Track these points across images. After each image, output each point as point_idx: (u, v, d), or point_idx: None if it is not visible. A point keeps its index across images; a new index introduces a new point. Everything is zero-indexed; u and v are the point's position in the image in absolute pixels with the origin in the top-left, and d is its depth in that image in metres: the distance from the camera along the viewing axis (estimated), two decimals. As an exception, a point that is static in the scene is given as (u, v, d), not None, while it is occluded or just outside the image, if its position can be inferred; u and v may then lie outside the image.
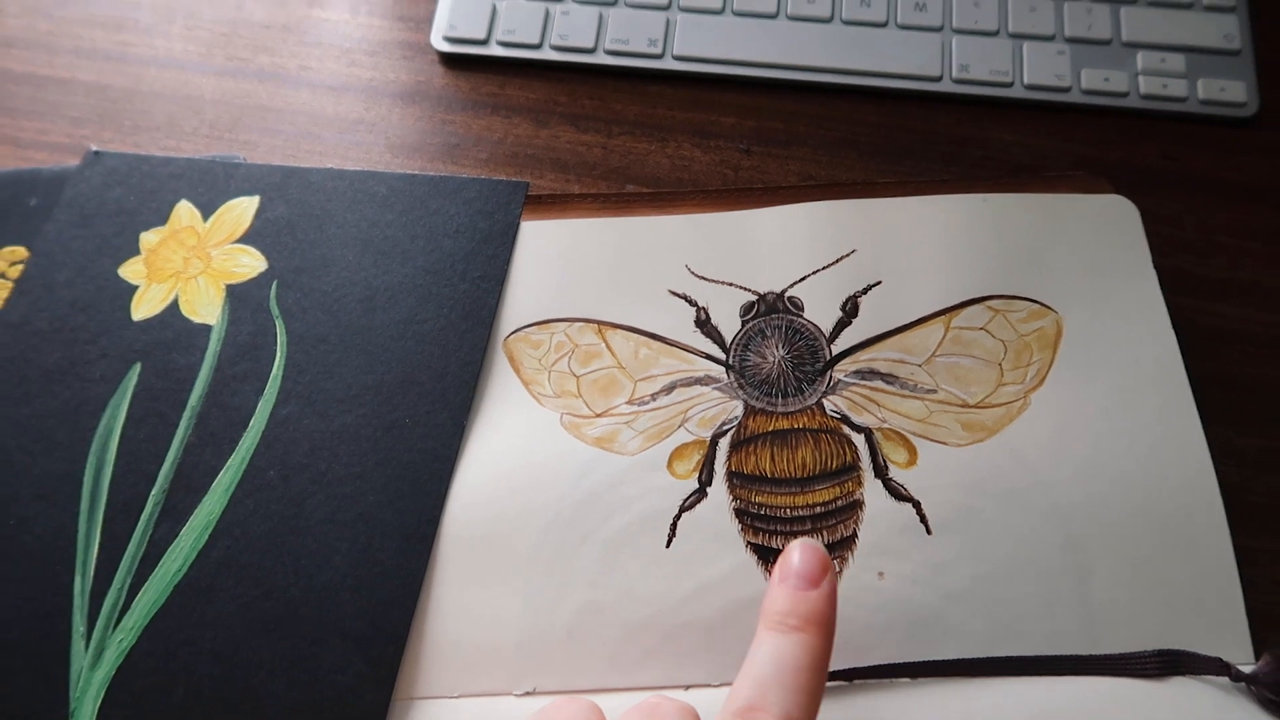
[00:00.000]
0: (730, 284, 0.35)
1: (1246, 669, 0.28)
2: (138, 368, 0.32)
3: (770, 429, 0.32)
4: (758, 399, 0.33)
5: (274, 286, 0.34)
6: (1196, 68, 0.40)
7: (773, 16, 0.41)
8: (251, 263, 0.35)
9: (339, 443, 0.31)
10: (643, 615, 0.30)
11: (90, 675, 0.28)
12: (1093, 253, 0.35)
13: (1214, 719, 0.28)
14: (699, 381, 0.33)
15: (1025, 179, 0.37)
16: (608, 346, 0.34)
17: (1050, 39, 0.41)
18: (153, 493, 0.31)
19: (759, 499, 0.31)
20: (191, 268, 0.34)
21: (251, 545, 0.30)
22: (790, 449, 0.32)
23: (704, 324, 0.34)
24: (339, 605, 0.29)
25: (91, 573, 0.30)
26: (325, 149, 0.40)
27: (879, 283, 0.35)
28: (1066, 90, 0.40)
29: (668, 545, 0.31)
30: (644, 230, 0.36)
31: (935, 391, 0.33)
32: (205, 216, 0.36)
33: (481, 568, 0.30)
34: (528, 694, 0.29)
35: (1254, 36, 0.41)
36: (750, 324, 0.34)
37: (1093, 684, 0.29)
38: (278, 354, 0.33)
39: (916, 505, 0.31)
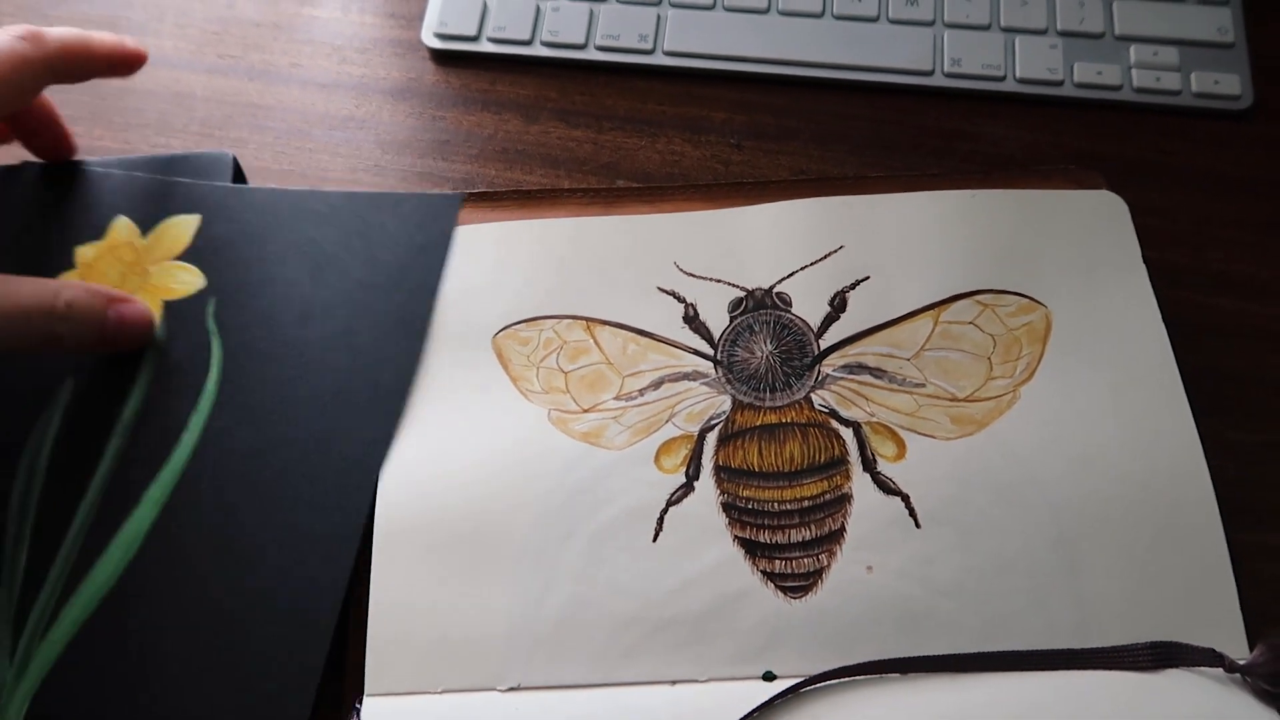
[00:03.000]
0: (718, 280, 0.35)
1: (1240, 660, 0.28)
2: (69, 383, 0.33)
3: (758, 423, 0.32)
4: (746, 394, 0.33)
5: (211, 304, 0.34)
6: (1190, 61, 0.40)
7: (764, 11, 0.41)
8: (190, 279, 0.35)
9: (271, 454, 0.32)
10: (629, 610, 0.30)
11: (15, 686, 0.29)
12: (1082, 248, 0.35)
13: (1208, 710, 0.28)
14: (687, 377, 0.33)
15: (1017, 173, 0.37)
16: (596, 343, 0.34)
17: (1042, 32, 0.41)
18: (82, 505, 0.31)
19: (746, 493, 0.31)
20: (128, 284, 0.35)
21: (182, 555, 0.30)
22: (778, 443, 0.32)
23: (692, 320, 0.34)
24: (268, 612, 0.29)
25: (19, 585, 0.30)
26: (316, 146, 0.40)
27: (867, 278, 0.34)
28: (1059, 84, 0.40)
29: (654, 540, 0.31)
30: (632, 227, 0.36)
31: (924, 385, 0.33)
32: (144, 233, 0.35)
33: (468, 562, 0.30)
34: (513, 689, 0.29)
35: (1247, 29, 0.41)
36: (738, 320, 0.34)
37: (1085, 678, 0.29)
38: (213, 369, 0.33)
39: (905, 499, 0.31)
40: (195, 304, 0.34)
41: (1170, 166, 0.39)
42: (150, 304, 0.34)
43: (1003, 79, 0.40)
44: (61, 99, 0.37)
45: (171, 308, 0.34)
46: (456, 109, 0.41)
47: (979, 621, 0.29)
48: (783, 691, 0.28)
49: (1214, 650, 0.28)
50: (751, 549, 0.31)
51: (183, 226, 0.36)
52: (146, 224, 0.36)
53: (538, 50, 0.41)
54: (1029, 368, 0.33)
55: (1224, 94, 0.39)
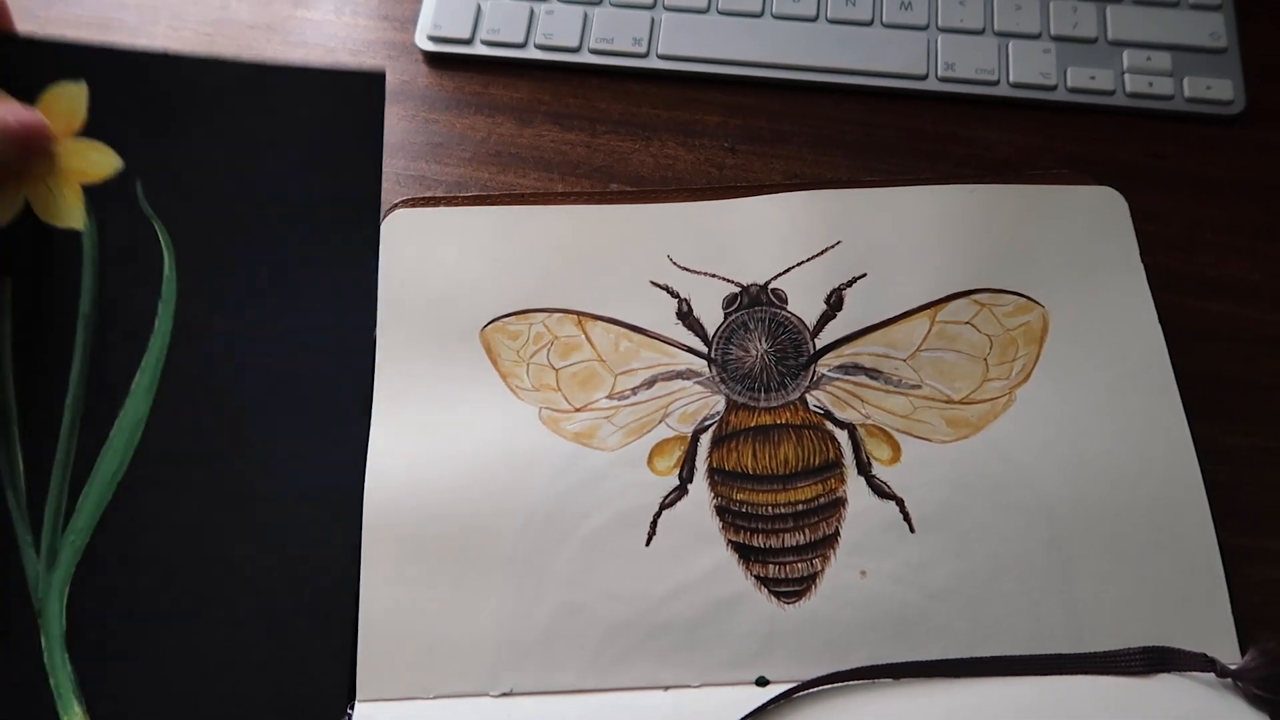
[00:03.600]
0: (713, 275, 0.34)
1: (1232, 665, 0.28)
2: (7, 282, 0.31)
3: (752, 425, 0.32)
4: (740, 394, 0.33)
5: (138, 185, 0.32)
6: (1182, 66, 0.40)
7: (758, 15, 0.41)
8: (103, 159, 0.33)
9: (253, 332, 0.32)
10: (622, 614, 0.29)
11: (49, 577, 0.29)
12: (1080, 246, 0.35)
13: (1200, 715, 0.28)
14: (680, 376, 0.33)
15: (1011, 177, 0.37)
16: (588, 339, 0.34)
17: (1036, 37, 0.41)
18: (68, 402, 0.31)
19: (740, 496, 0.31)
20: (36, 167, 0.32)
21: (190, 433, 0.31)
22: (772, 445, 0.32)
23: (686, 316, 0.34)
24: (293, 468, 0.30)
25: (23, 487, 0.30)
26: (308, 148, 0.40)
27: (864, 275, 0.34)
28: (1052, 88, 0.40)
29: (648, 543, 0.30)
30: (625, 219, 0.36)
31: (920, 387, 0.33)
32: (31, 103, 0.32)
33: (458, 565, 0.30)
34: (506, 695, 0.29)
35: (1239, 34, 0.41)
36: (733, 317, 0.34)
37: (1077, 682, 0.28)
38: (165, 255, 0.32)
39: (900, 503, 0.31)
40: (120, 186, 0.33)
41: (1163, 171, 0.39)
42: (65, 192, 0.32)
43: (996, 83, 0.40)
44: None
45: (93, 193, 0.32)
46: (450, 112, 0.41)
47: (972, 626, 0.29)
48: (775, 697, 0.28)
49: (1206, 655, 0.28)
50: (745, 553, 0.30)
51: (71, 97, 0.33)
52: (24, 96, 0.32)
53: (531, 53, 0.41)
54: (1025, 369, 0.33)
55: (1216, 99, 0.39)
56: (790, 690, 0.28)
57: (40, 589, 0.29)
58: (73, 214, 0.32)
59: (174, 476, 0.30)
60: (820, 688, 0.28)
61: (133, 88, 0.33)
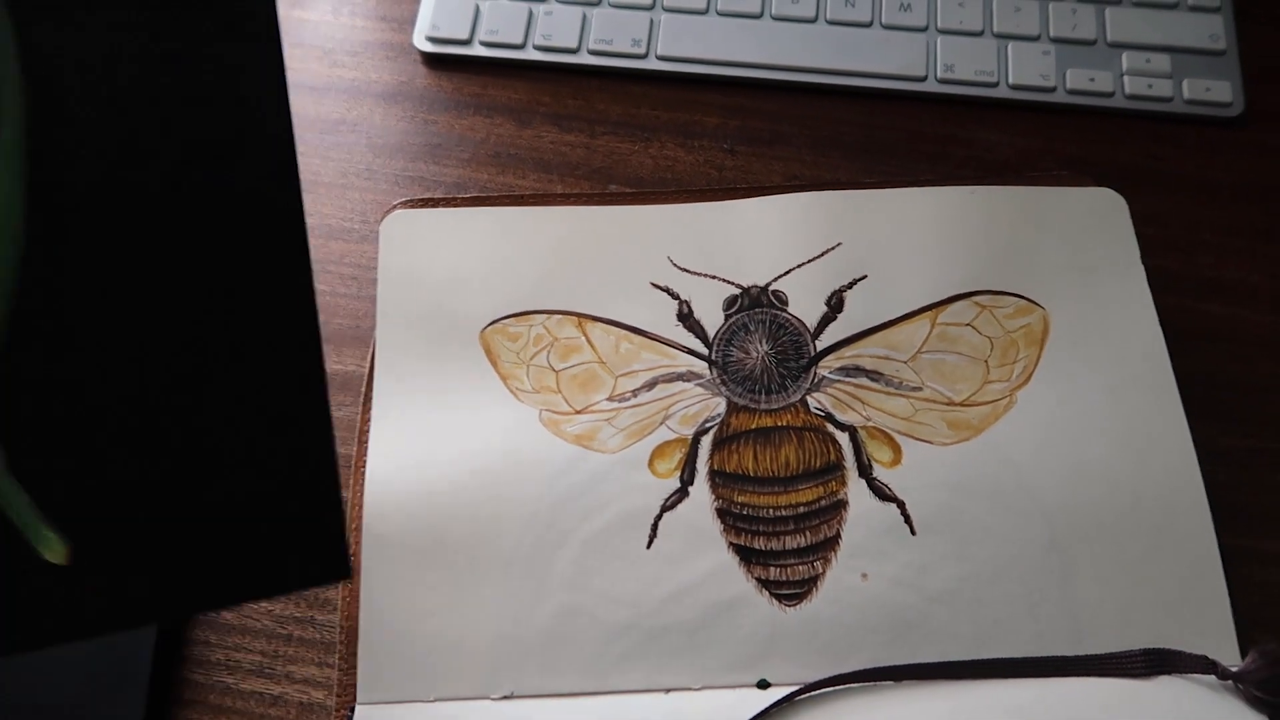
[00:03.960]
0: (713, 277, 0.34)
1: (1233, 667, 0.28)
2: None
3: (753, 427, 0.32)
4: (741, 396, 0.33)
5: None
6: (1182, 68, 0.40)
7: (757, 16, 0.41)
8: None
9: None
10: (623, 617, 0.29)
11: None
12: (1081, 247, 0.35)
13: (1200, 717, 0.28)
14: (681, 378, 0.33)
15: (1010, 178, 0.37)
16: (588, 340, 0.34)
17: (1035, 39, 0.41)
18: None
19: (741, 499, 0.31)
20: None
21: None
22: (773, 447, 0.32)
23: (686, 318, 0.34)
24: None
25: None
26: (307, 149, 0.40)
27: (865, 277, 0.34)
28: (1052, 90, 0.40)
29: (648, 546, 0.30)
30: (625, 220, 0.36)
31: (921, 389, 0.33)
32: None
33: (458, 568, 0.30)
34: (506, 698, 0.28)
35: (1238, 37, 0.41)
36: (733, 318, 0.34)
37: (1078, 684, 0.28)
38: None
39: (901, 505, 0.31)
40: None
41: (1162, 172, 0.39)
42: None
43: (996, 85, 0.40)
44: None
45: None
46: (448, 113, 0.41)
47: (973, 628, 0.29)
48: (777, 701, 0.28)
49: (1207, 657, 0.28)
50: (746, 555, 0.30)
51: None
52: None
53: (530, 54, 0.41)
54: (1025, 371, 0.33)
55: (1215, 100, 0.39)
56: (792, 694, 0.28)
57: None
58: None
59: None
60: (822, 690, 0.28)
61: None
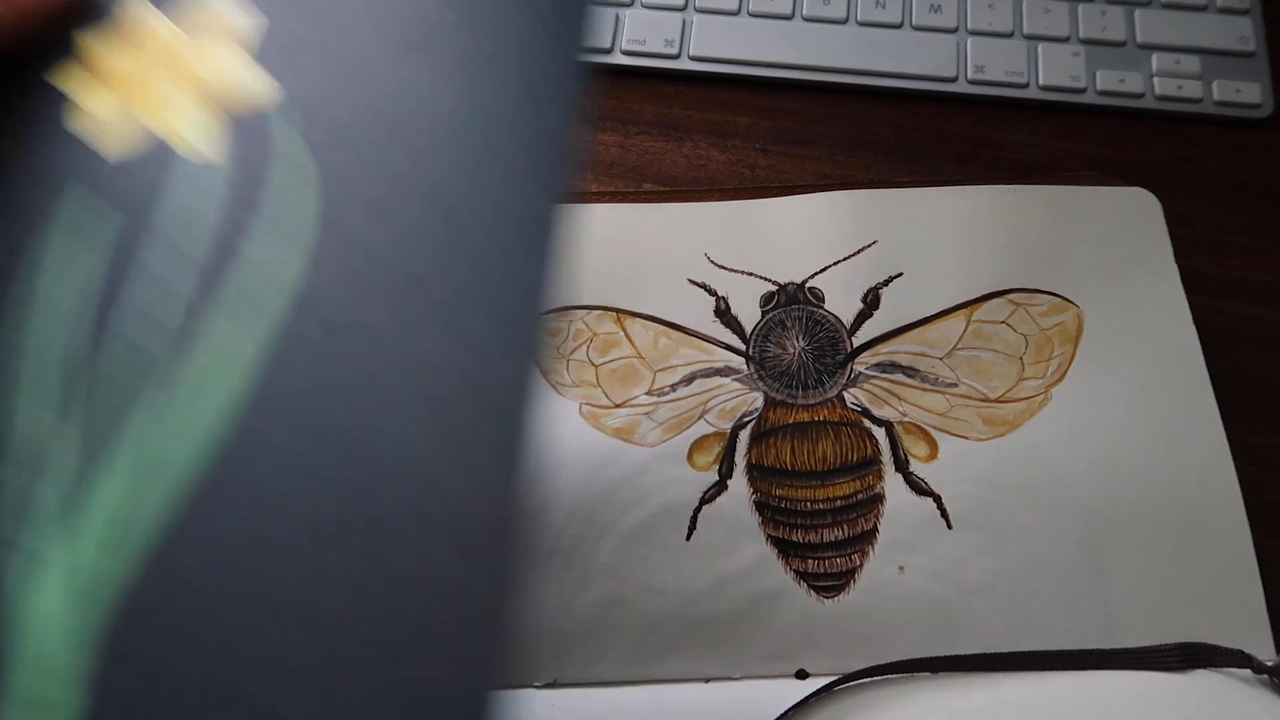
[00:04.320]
0: (750, 274, 0.35)
1: (1269, 662, 0.28)
2: (117, 217, 0.24)
3: (790, 421, 0.32)
4: (778, 391, 0.33)
5: (286, 109, 0.26)
6: (1211, 69, 0.40)
7: (788, 18, 0.41)
8: (249, 78, 0.26)
9: (396, 301, 0.24)
10: (663, 608, 0.29)
11: (51, 599, 0.19)
12: (1114, 246, 0.35)
13: (1235, 711, 0.28)
14: (719, 373, 0.33)
15: (1040, 179, 0.37)
16: (626, 335, 0.34)
17: (1065, 40, 0.41)
18: (138, 363, 0.22)
19: (779, 492, 0.31)
20: (165, 84, 0.26)
21: (294, 422, 0.22)
22: (811, 442, 0.32)
23: (724, 314, 0.34)
24: (424, 471, 0.22)
25: (43, 464, 0.21)
26: (343, 146, 0.40)
27: (900, 274, 0.34)
28: (1081, 91, 0.40)
29: (688, 538, 0.31)
30: (663, 218, 0.36)
31: (956, 385, 0.33)
32: (166, 14, 0.26)
33: (501, 559, 0.30)
34: (548, 686, 0.29)
35: (1268, 38, 0.41)
36: (770, 315, 0.34)
37: (1112, 678, 0.29)
38: (308, 197, 0.26)
39: (937, 499, 0.31)
40: (267, 119, 0.26)
41: (1191, 173, 0.39)
42: (204, 112, 0.26)
43: (1026, 86, 0.40)
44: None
45: (234, 115, 0.26)
46: (483, 111, 0.41)
47: (1008, 622, 0.29)
48: (816, 690, 0.28)
49: (1243, 652, 0.28)
50: (784, 548, 0.30)
51: (227, 11, 0.27)
52: (166, 3, 0.27)
53: (564, 54, 0.41)
54: (1060, 368, 0.33)
55: (1245, 102, 0.39)
56: (830, 684, 0.28)
57: (36, 618, 0.19)
58: (205, 139, 0.25)
59: (278, 471, 0.22)
60: (860, 680, 0.28)
61: (295, 9, 0.27)
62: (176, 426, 0.22)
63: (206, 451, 0.22)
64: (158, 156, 0.26)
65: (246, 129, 0.26)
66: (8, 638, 0.19)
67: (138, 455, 0.21)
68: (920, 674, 0.29)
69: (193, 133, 0.26)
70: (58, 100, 0.26)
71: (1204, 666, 0.29)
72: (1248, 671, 0.28)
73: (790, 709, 0.28)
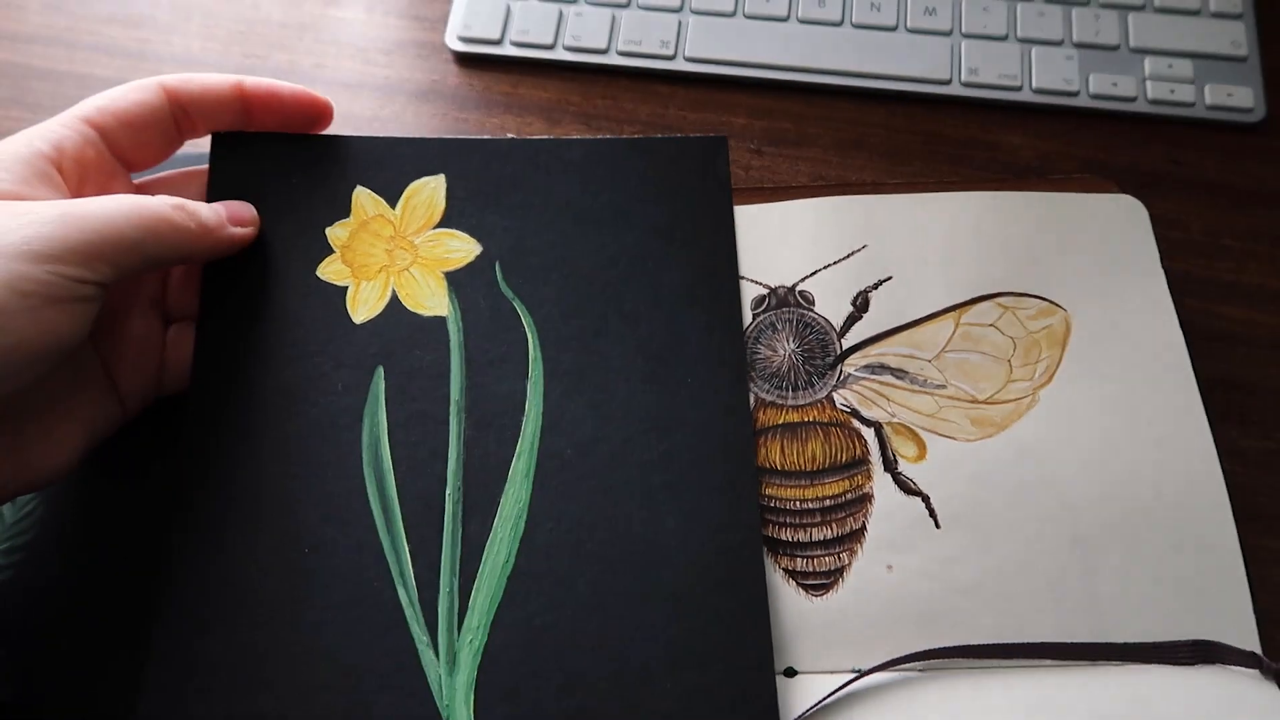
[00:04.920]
0: (742, 277, 0.35)
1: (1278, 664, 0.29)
2: (380, 372, 0.31)
3: (780, 422, 0.33)
4: (769, 392, 0.33)
5: (497, 268, 0.32)
6: (1204, 73, 0.40)
7: (783, 19, 0.42)
8: (463, 246, 0.33)
9: (623, 413, 0.31)
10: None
11: (452, 681, 0.27)
12: (1101, 251, 0.35)
13: (1242, 709, 0.28)
14: (710, 374, 0.34)
15: (1032, 181, 0.37)
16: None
17: (1059, 44, 0.41)
18: (448, 492, 0.30)
19: (769, 491, 0.32)
20: (399, 260, 0.32)
21: (572, 523, 0.29)
22: (800, 442, 0.32)
23: (716, 316, 0.34)
24: (682, 563, 0.29)
25: (414, 582, 0.28)
26: (340, 145, 0.40)
27: (889, 278, 0.35)
28: (1074, 94, 0.40)
29: None
30: None
31: (945, 387, 0.33)
32: (391, 203, 0.33)
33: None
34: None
35: (1260, 43, 0.41)
36: (761, 317, 0.34)
37: (1114, 674, 0.29)
38: (528, 335, 0.31)
39: (925, 499, 0.31)
40: (479, 270, 0.32)
41: (1183, 177, 0.39)
42: (430, 280, 0.32)
43: (1019, 89, 0.40)
44: (86, 96, 0.37)
45: (454, 279, 0.32)
46: (479, 111, 0.41)
47: (996, 621, 0.29)
48: (866, 670, 0.28)
49: (1255, 653, 0.29)
50: (774, 546, 0.31)
51: (431, 190, 0.33)
52: (389, 192, 0.33)
53: (560, 54, 0.41)
54: (1048, 371, 0.33)
55: (1237, 106, 0.40)
56: (883, 665, 0.29)
57: (445, 695, 0.27)
58: (438, 301, 0.32)
59: (562, 565, 0.29)
60: (864, 676, 0.29)
61: (485, 175, 0.34)
62: (501, 536, 0.29)
63: (517, 550, 0.29)
64: (404, 318, 0.32)
65: (464, 285, 0.32)
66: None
67: (489, 566, 0.29)
68: (909, 672, 0.29)
69: (428, 295, 0.32)
70: (329, 290, 0.32)
71: (1213, 663, 0.29)
72: (1256, 671, 0.29)
73: (840, 688, 0.28)
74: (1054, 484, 0.31)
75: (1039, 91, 0.40)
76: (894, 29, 0.41)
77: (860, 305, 0.34)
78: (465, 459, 0.30)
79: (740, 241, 0.35)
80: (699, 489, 0.30)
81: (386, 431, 0.30)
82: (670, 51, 0.41)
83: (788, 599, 0.30)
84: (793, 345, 0.34)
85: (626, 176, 0.34)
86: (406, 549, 0.29)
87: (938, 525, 0.31)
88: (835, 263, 0.35)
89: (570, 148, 0.34)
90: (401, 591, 0.28)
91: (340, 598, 0.28)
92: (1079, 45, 0.41)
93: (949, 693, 0.28)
